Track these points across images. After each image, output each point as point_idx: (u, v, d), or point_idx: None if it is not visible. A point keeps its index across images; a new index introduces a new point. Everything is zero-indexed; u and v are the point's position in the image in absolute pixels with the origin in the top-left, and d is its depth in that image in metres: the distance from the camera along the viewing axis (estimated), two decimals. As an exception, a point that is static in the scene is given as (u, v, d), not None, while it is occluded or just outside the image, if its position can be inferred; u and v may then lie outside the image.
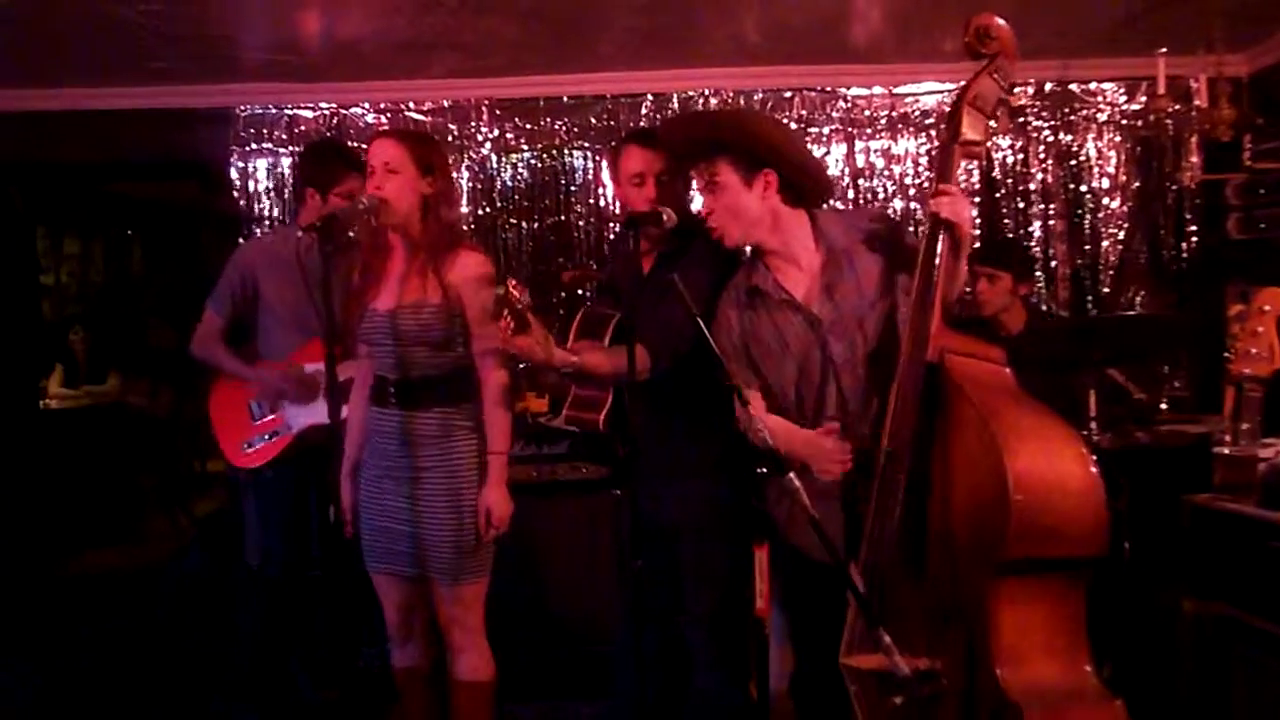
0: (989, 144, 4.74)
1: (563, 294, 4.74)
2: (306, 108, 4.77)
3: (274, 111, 4.76)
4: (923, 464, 2.30)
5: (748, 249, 2.70)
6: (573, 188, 4.89)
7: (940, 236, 2.33)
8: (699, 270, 2.77)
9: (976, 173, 4.82)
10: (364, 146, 3.80)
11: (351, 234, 3.69)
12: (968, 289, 3.87)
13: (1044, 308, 4.71)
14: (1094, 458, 2.20)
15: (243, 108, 4.75)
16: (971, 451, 2.21)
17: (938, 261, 2.33)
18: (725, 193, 2.56)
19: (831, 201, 4.43)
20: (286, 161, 4.76)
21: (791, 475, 2.16)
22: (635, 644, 3.17)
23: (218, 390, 3.78)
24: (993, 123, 2.47)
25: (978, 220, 4.84)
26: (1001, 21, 2.39)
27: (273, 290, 3.68)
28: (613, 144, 3.40)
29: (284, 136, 4.76)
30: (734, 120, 2.77)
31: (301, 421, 3.62)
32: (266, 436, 3.67)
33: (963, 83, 2.45)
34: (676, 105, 4.78)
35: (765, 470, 2.12)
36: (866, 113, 4.83)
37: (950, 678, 2.21)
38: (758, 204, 2.57)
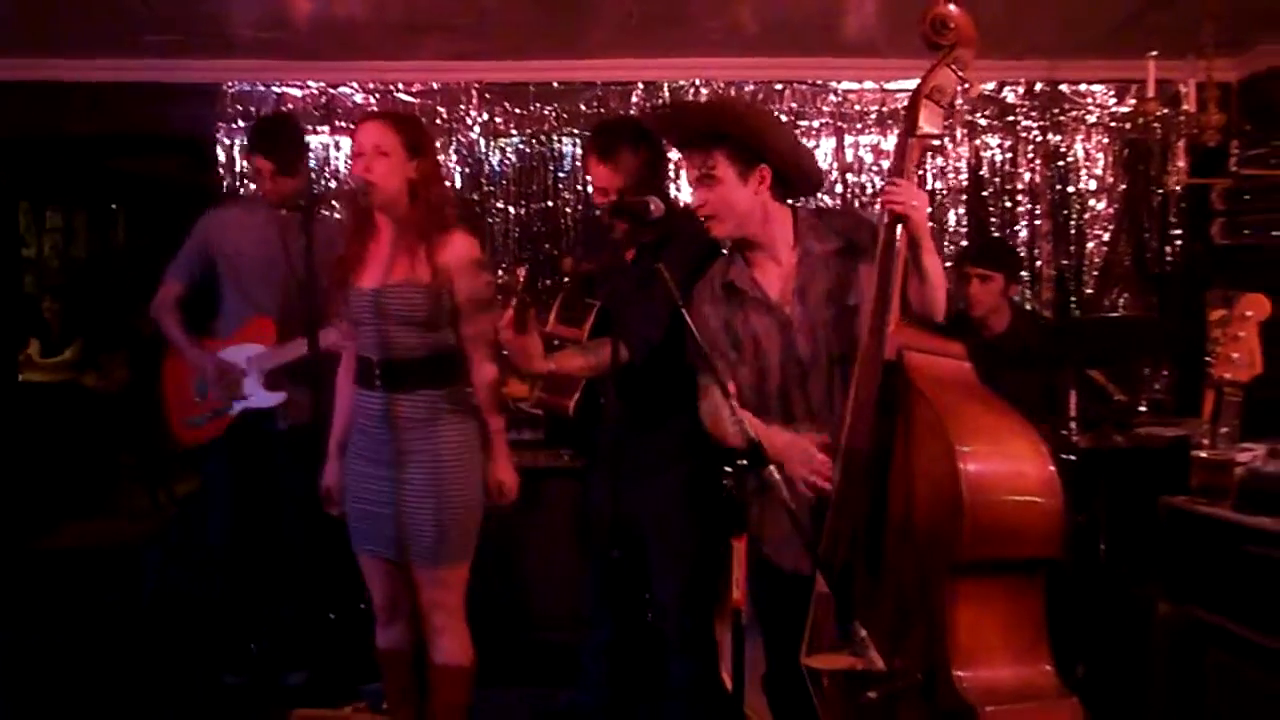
0: (978, 144, 4.81)
1: (548, 281, 4.73)
2: (295, 86, 4.74)
3: (262, 89, 4.72)
4: (883, 462, 2.30)
5: (728, 242, 2.70)
6: (561, 174, 4.87)
7: (897, 231, 2.31)
8: (680, 262, 2.76)
9: (966, 171, 4.83)
10: (351, 126, 3.80)
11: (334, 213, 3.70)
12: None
13: (1028, 307, 4.72)
14: (1049, 455, 2.20)
15: (231, 84, 4.71)
16: (928, 450, 2.21)
17: (895, 257, 2.31)
18: (720, 186, 2.53)
19: (820, 196, 4.45)
20: (273, 139, 4.73)
21: (772, 468, 2.16)
22: (608, 631, 3.20)
23: (169, 363, 3.78)
24: (948, 118, 2.42)
25: (964, 220, 4.86)
26: (959, 11, 2.33)
27: (230, 260, 3.68)
28: (588, 134, 3.38)
29: (271, 114, 4.72)
30: (734, 113, 2.74)
31: (241, 403, 3.63)
32: (209, 414, 3.67)
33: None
34: (667, 94, 4.76)
35: (745, 463, 2.11)
36: (857, 107, 4.82)
37: (910, 677, 2.22)
38: (750, 198, 2.55)
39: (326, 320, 3.09)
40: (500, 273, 4.68)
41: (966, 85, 2.37)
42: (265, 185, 3.69)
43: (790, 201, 2.67)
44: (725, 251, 2.74)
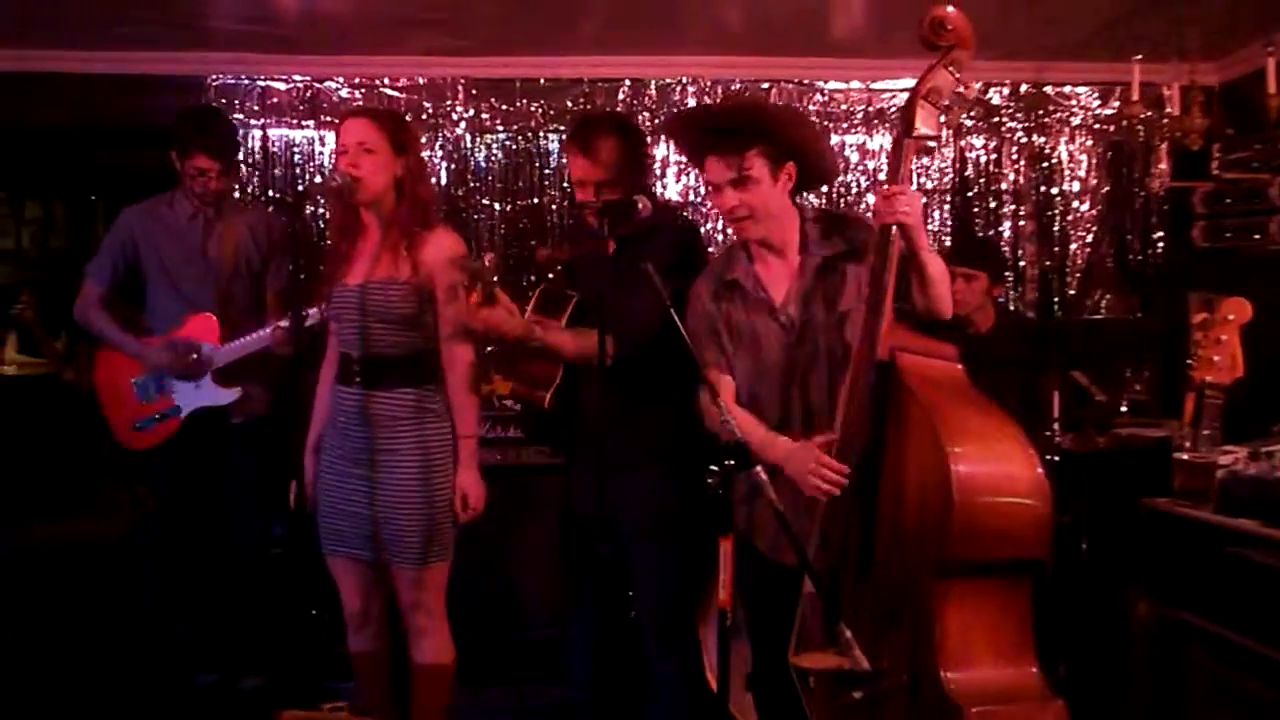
0: (963, 144, 4.83)
1: (533, 276, 4.71)
2: (280, 80, 4.70)
3: (246, 82, 4.69)
4: (875, 463, 2.31)
5: (718, 238, 2.69)
6: (547, 171, 4.85)
7: (891, 233, 2.31)
8: (664, 258, 2.75)
9: (951, 171, 4.85)
10: (335, 121, 3.77)
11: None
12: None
13: (1011, 308, 4.74)
14: (1038, 458, 2.21)
15: (214, 77, 4.67)
16: (919, 451, 2.22)
17: (889, 259, 2.30)
18: (758, 187, 2.50)
19: (805, 195, 4.45)
20: (257, 133, 4.70)
21: (759, 469, 2.15)
22: (594, 630, 3.20)
23: (101, 365, 3.68)
24: (943, 116, 2.40)
25: (949, 220, 4.88)
26: (957, 13, 2.32)
27: (155, 257, 3.61)
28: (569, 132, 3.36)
29: (256, 108, 4.69)
30: (766, 112, 2.71)
31: (193, 403, 3.56)
32: (157, 417, 3.58)
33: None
34: (654, 91, 4.75)
35: (732, 463, 2.11)
36: (843, 107, 4.83)
37: (896, 677, 2.22)
38: (780, 197, 2.55)
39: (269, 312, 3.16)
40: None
41: (963, 87, 2.37)
42: (210, 184, 3.57)
43: (798, 200, 2.67)
44: (719, 247, 2.73)
